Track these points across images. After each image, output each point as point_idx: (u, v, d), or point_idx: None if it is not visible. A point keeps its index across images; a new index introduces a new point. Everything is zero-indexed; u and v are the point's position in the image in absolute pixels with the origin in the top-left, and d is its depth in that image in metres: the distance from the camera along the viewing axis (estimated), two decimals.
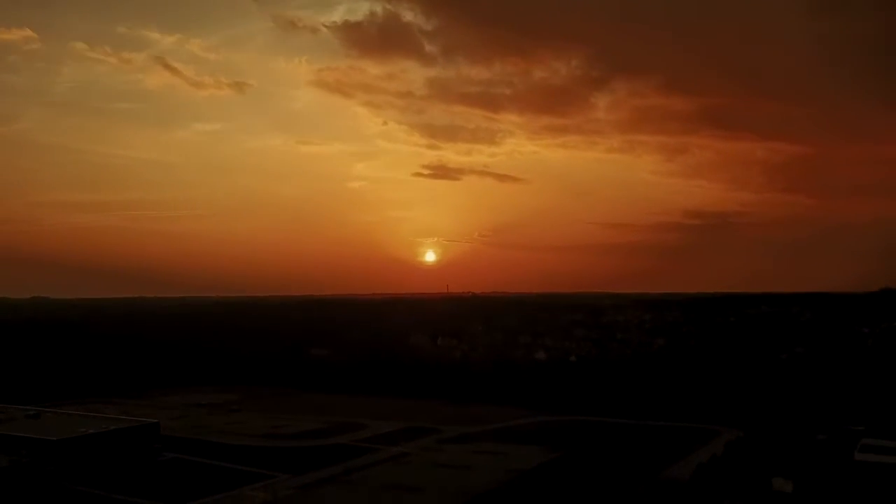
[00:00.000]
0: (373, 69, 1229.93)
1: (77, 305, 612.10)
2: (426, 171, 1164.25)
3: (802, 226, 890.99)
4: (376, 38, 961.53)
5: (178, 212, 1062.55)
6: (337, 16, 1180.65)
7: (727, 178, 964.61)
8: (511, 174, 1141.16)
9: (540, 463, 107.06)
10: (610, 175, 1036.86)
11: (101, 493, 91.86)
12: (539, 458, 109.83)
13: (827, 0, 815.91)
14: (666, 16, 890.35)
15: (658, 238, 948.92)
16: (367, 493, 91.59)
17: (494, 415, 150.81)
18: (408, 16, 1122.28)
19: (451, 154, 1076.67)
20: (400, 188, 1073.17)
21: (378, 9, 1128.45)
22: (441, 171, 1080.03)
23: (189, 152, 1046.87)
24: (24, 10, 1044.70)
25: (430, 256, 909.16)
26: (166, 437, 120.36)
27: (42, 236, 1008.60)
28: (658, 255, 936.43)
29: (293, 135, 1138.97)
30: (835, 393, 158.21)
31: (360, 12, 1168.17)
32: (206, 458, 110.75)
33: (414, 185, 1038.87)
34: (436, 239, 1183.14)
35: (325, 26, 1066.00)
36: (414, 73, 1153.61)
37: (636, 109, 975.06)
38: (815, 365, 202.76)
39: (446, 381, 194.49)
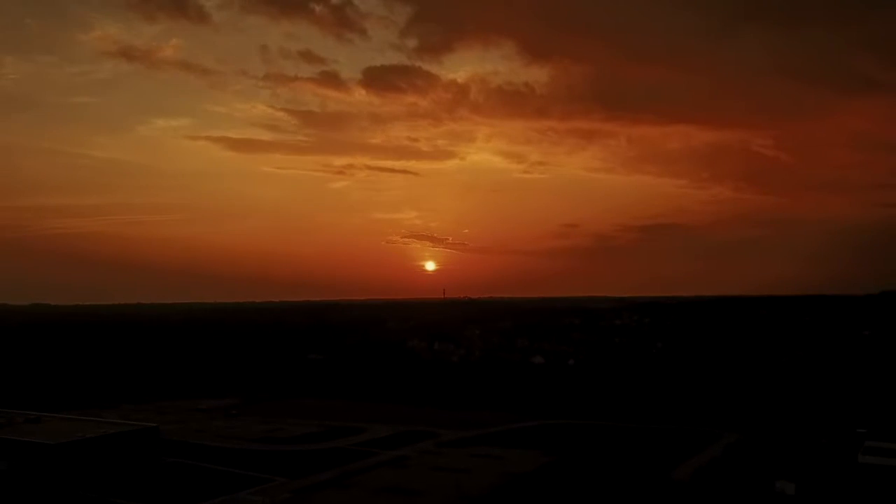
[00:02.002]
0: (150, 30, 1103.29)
1: (76, 312, 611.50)
2: (323, 169, 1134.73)
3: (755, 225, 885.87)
4: None
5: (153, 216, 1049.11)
6: None
7: (664, 173, 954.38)
8: (410, 169, 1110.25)
9: (538, 466, 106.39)
10: (530, 169, 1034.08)
11: (99, 498, 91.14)
12: (537, 462, 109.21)
13: None
14: None
15: (622, 239, 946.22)
16: (365, 497, 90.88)
17: (493, 418, 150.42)
18: None
19: (335, 145, 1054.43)
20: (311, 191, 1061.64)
21: None
22: (333, 168, 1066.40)
23: None
24: None
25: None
26: (165, 441, 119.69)
27: (25, 242, 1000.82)
28: (624, 257, 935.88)
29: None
30: (837, 395, 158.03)
31: None
32: (205, 462, 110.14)
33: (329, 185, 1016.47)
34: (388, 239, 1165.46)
35: None
36: (217, 43, 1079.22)
37: (502, 91, 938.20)
38: (816, 368, 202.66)
39: (444, 385, 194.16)
